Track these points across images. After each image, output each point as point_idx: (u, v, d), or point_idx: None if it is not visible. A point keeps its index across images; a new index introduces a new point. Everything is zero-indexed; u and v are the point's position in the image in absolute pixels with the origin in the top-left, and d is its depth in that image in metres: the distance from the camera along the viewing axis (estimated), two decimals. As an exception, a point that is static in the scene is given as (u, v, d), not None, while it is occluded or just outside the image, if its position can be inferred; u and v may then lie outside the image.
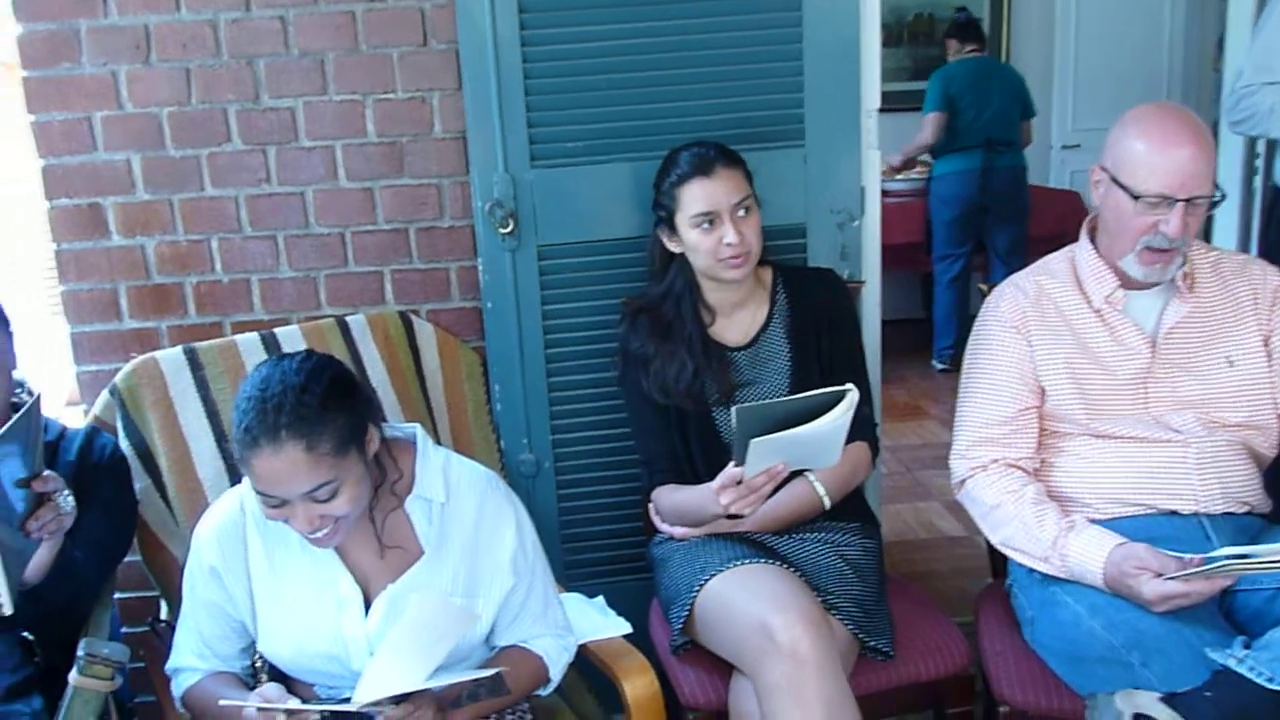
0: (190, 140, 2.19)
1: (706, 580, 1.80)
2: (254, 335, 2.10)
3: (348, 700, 1.58)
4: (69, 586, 1.64)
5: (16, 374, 1.76)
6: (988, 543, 1.95)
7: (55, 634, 1.64)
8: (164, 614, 2.03)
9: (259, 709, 1.42)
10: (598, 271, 2.25)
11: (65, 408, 1.90)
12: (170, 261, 2.24)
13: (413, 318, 2.24)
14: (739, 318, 2.03)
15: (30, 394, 1.88)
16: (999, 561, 1.98)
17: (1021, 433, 1.86)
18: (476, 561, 1.64)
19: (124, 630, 2.16)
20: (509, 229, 2.20)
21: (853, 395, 1.57)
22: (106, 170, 2.19)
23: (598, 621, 1.97)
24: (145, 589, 2.12)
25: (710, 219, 1.89)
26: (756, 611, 1.68)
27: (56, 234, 2.22)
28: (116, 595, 2.20)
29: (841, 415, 1.56)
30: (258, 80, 2.17)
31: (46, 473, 1.54)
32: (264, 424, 1.41)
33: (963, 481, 1.90)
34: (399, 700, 1.42)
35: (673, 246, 1.97)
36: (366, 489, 1.53)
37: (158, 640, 1.90)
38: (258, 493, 1.47)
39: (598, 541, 2.37)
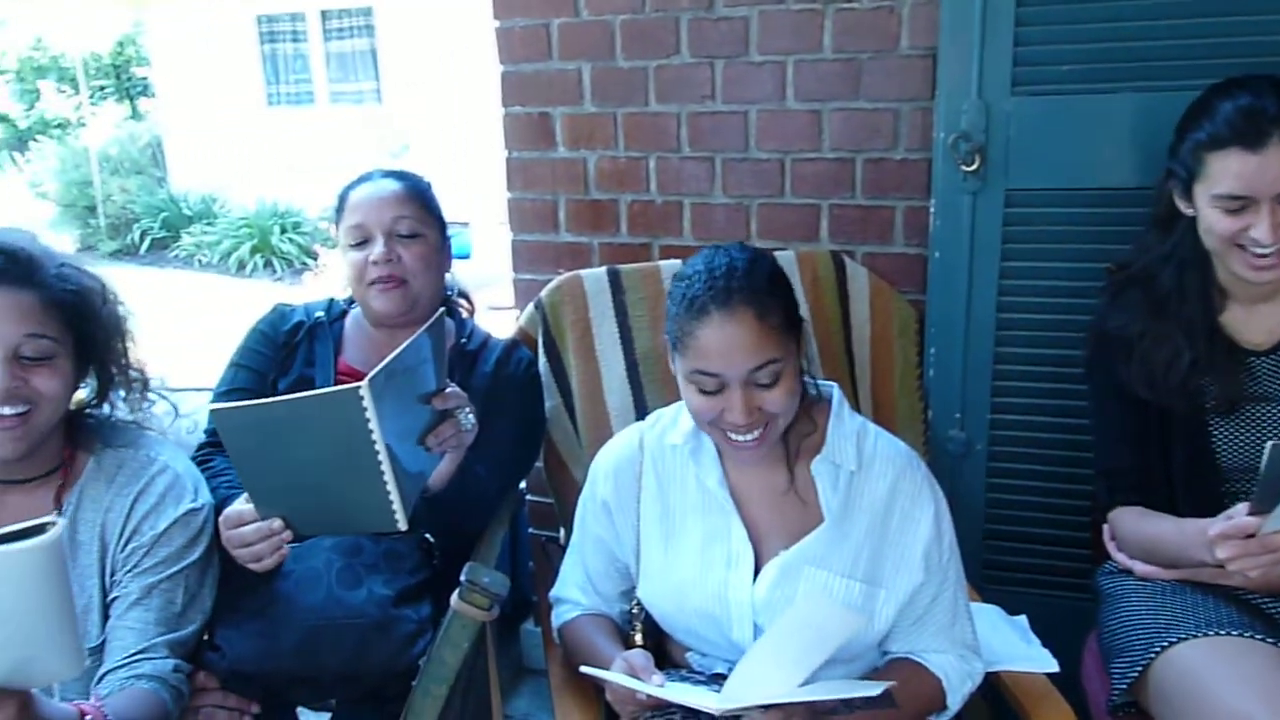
0: (639, 51, 2.09)
1: (1174, 643, 1.40)
2: (678, 262, 1.98)
3: (721, 677, 1.45)
4: (468, 499, 1.63)
5: (450, 278, 1.79)
6: None
7: (453, 542, 1.64)
8: (561, 538, 2.02)
9: (618, 686, 1.31)
10: (1078, 227, 1.84)
11: (488, 311, 1.90)
12: (609, 177, 2.19)
13: (846, 260, 1.99)
14: (1264, 313, 1.54)
15: (465, 297, 1.91)
16: None
17: None
18: (883, 546, 1.42)
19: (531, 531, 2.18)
20: (973, 167, 1.86)
21: None
22: (559, 80, 2.16)
23: (1015, 647, 1.65)
24: (549, 525, 2.13)
25: (1243, 204, 1.42)
26: (1239, 704, 1.27)
27: (508, 142, 2.24)
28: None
29: None
30: (714, -15, 2.01)
31: (450, 389, 1.52)
32: (714, 291, 1.32)
33: None
34: (767, 708, 1.23)
35: (1185, 209, 1.52)
36: (798, 389, 1.39)
37: (547, 562, 1.88)
38: (695, 374, 1.36)
39: (1028, 546, 2.01)
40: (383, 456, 1.32)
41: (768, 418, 1.36)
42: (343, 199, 1.77)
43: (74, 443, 1.47)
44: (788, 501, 1.46)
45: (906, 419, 1.95)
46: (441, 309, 1.58)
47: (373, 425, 1.30)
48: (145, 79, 14.55)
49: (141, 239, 9.69)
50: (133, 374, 1.50)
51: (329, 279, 5.40)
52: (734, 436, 1.38)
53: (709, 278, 1.34)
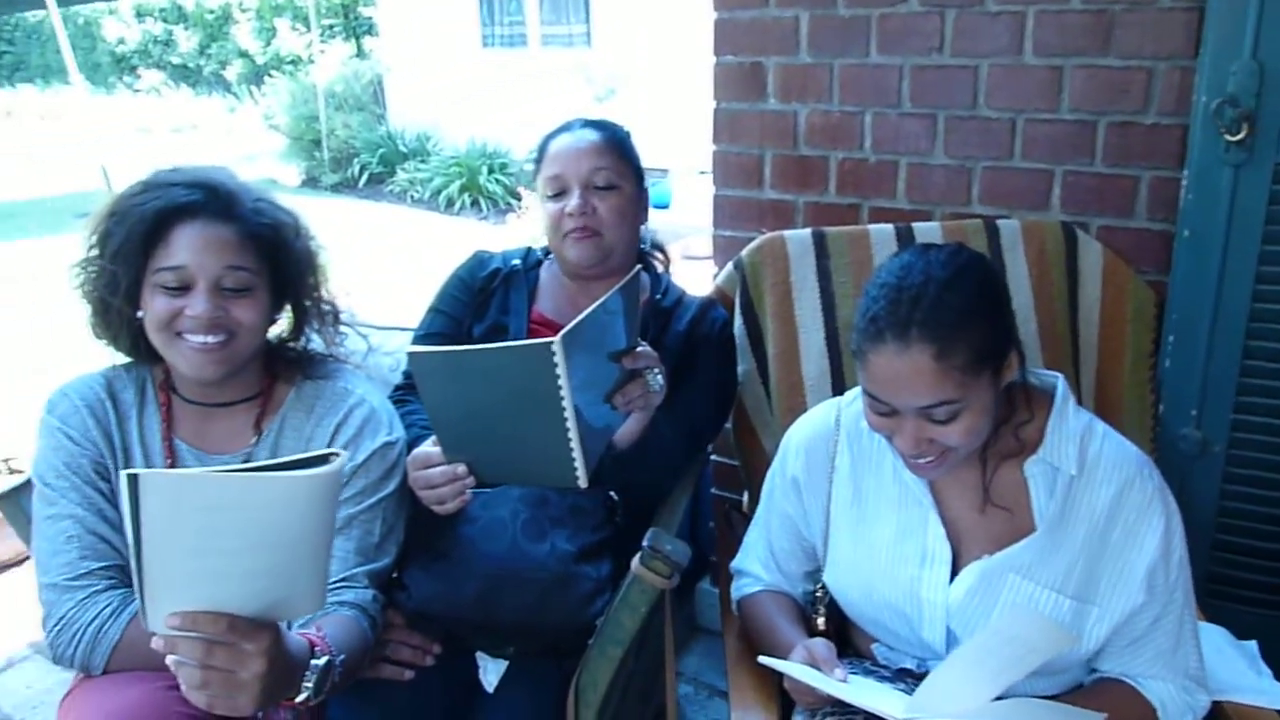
0: (864, -2, 1.96)
1: None
2: (889, 227, 1.86)
3: (907, 673, 1.37)
4: (654, 459, 1.60)
5: (645, 230, 1.75)
6: None
7: (636, 501, 1.62)
8: (745, 503, 1.96)
9: (794, 681, 1.24)
10: (1362, 209, 1.61)
11: (683, 260, 1.84)
12: (820, 132, 2.07)
13: (1079, 233, 1.81)
14: None
15: (660, 250, 1.86)
16: None
17: None
18: (1100, 561, 1.29)
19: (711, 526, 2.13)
20: (1239, 136, 1.65)
21: None
22: (774, 28, 2.06)
23: (1243, 676, 1.49)
24: (735, 488, 2.07)
25: None
26: None
27: (717, 92, 2.16)
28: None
29: None
30: (951, -73, 1.85)
31: (641, 348, 1.48)
32: (894, 316, 1.19)
33: None
34: None
35: None
36: (987, 423, 1.26)
37: (730, 529, 1.83)
38: (866, 394, 1.26)
39: (1265, 562, 1.81)
40: (569, 413, 1.30)
41: (942, 449, 1.25)
42: (542, 148, 1.75)
43: (273, 373, 1.52)
44: (993, 501, 1.34)
45: (1133, 412, 1.77)
46: (638, 266, 1.53)
47: (562, 381, 1.28)
48: (370, 19, 15.22)
49: (360, 173, 10.19)
50: (324, 308, 1.53)
51: (531, 220, 5.50)
52: (905, 458, 1.29)
53: (894, 297, 1.21)
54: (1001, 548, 1.32)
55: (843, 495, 1.45)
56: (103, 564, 1.38)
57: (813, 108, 2.06)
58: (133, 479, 0.90)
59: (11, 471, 3.15)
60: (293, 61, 15.45)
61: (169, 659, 1.03)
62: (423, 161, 9.50)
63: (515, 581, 1.46)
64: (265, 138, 13.95)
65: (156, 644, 1.03)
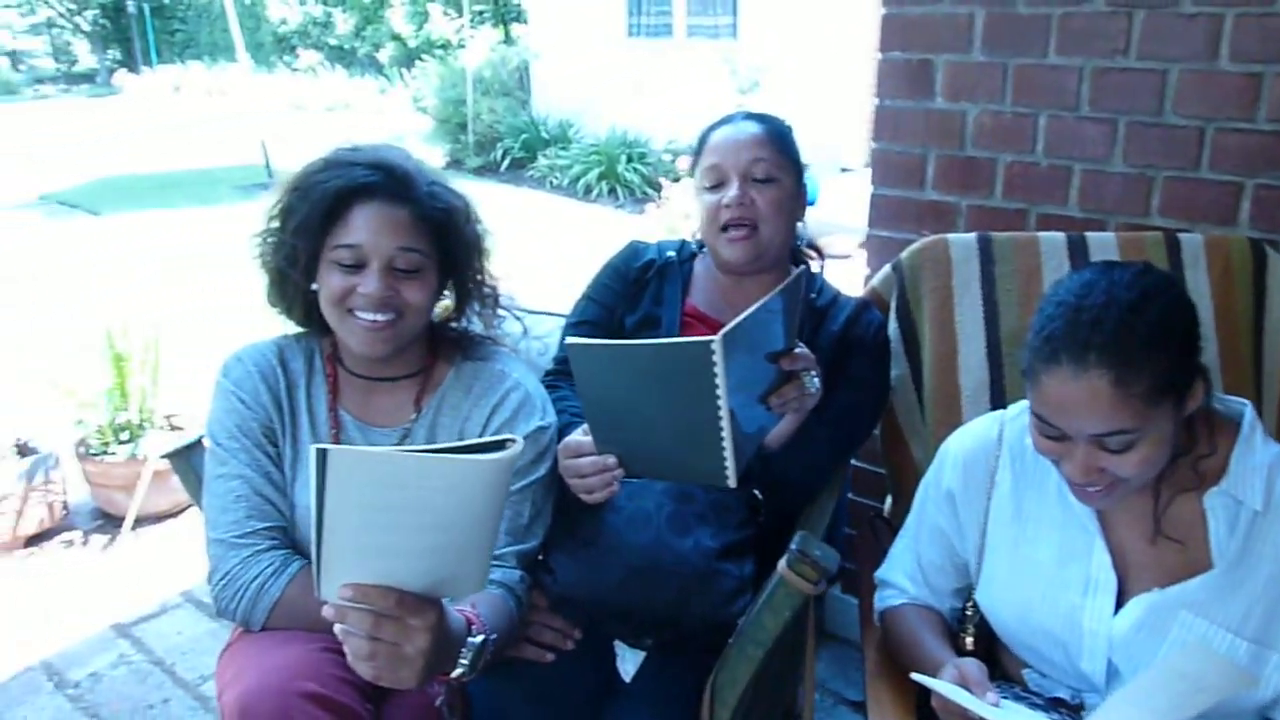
0: (1046, -5, 1.87)
1: None
2: (1060, 235, 1.78)
3: (1061, 703, 1.31)
4: (803, 459, 1.58)
5: (801, 227, 1.72)
6: None
7: (782, 502, 1.60)
8: (887, 509, 1.91)
9: (948, 699, 1.20)
10: None
11: (825, 260, 1.80)
12: (989, 134, 2.00)
13: (1268, 251, 1.70)
14: None
15: (814, 248, 1.83)
16: None
17: None
18: (1282, 604, 1.20)
19: (846, 531, 2.10)
20: None
21: None
22: (946, 24, 1.99)
23: None
24: (872, 494, 2.03)
25: None
26: None
27: (881, 89, 2.11)
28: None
29: None
30: (1148, -78, 1.76)
31: (799, 349, 1.46)
32: (1072, 338, 1.14)
33: None
34: None
35: None
36: (1165, 454, 1.19)
37: (873, 538, 1.79)
38: (1035, 416, 1.21)
39: None
40: (723, 413, 1.29)
41: (1112, 479, 1.18)
42: (703, 139, 1.74)
43: (434, 352, 1.55)
44: (1165, 533, 1.27)
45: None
46: (802, 268, 1.51)
47: (719, 380, 1.27)
48: (519, 5, 15.49)
49: (503, 157, 10.38)
50: (486, 290, 1.56)
51: (669, 211, 5.50)
52: (1071, 484, 1.23)
53: (1073, 316, 1.15)
54: (1173, 582, 1.25)
55: (1002, 513, 1.40)
56: (267, 524, 1.44)
57: (983, 108, 1.99)
58: (321, 453, 0.93)
59: (173, 428, 3.33)
60: (443, 46, 15.86)
61: (337, 628, 1.07)
62: (563, 148, 9.62)
63: (657, 574, 1.46)
64: (412, 119, 14.37)
65: (327, 612, 1.06)
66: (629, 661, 1.67)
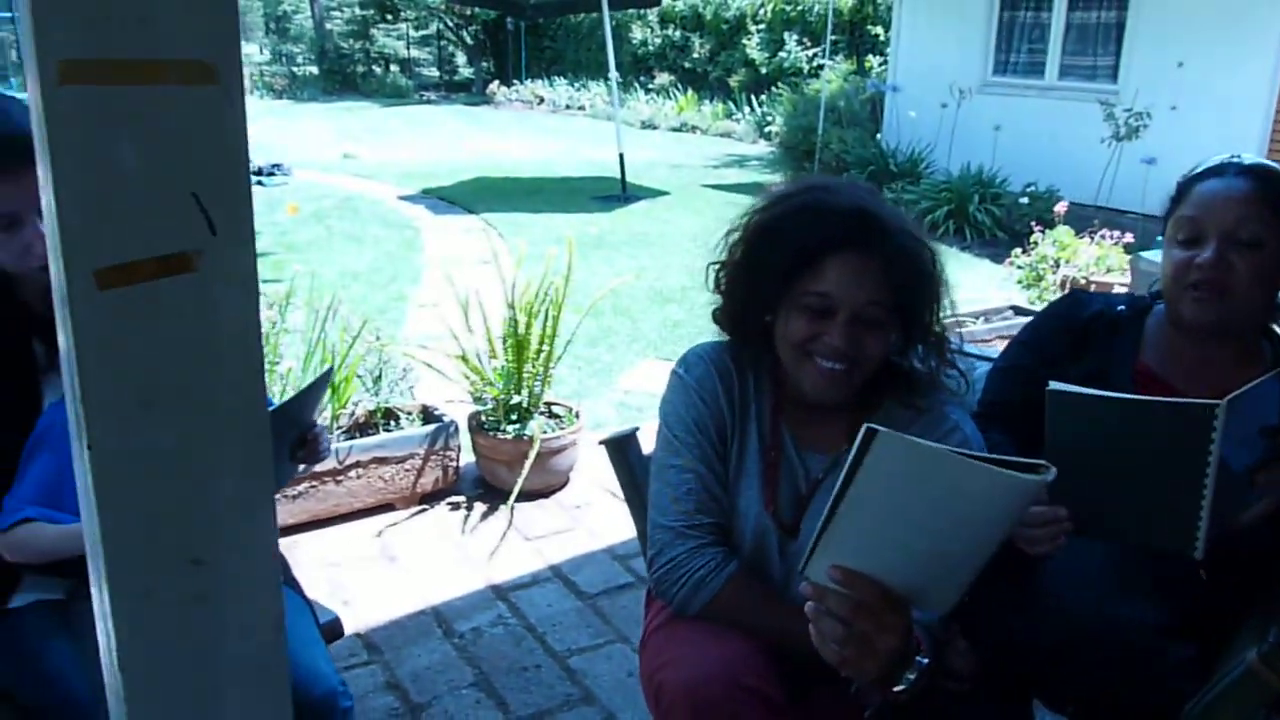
0: None
1: None
2: None
3: None
4: (1271, 545, 1.45)
5: None
6: None
7: (1235, 583, 1.48)
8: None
9: None
10: None
11: None
12: None
13: None
14: None
15: None
16: None
17: None
18: None
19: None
20: None
21: None
22: None
23: None
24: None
25: None
26: None
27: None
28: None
29: None
30: None
31: None
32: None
33: None
34: None
35: None
36: None
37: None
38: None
39: None
40: (1210, 480, 1.22)
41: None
42: (1184, 188, 1.64)
43: (876, 385, 1.56)
44: None
45: None
46: None
47: (1214, 446, 1.20)
48: (877, 36, 15.42)
49: (847, 188, 10.32)
50: (934, 337, 1.54)
51: (1034, 259, 5.24)
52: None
53: None
54: None
55: None
56: (712, 519, 1.51)
57: None
58: (870, 431, 0.96)
59: (552, 415, 3.60)
60: (794, 73, 16.10)
61: (808, 607, 1.11)
62: (912, 183, 9.45)
63: (1093, 643, 1.40)
64: (757, 144, 14.70)
65: (804, 589, 1.11)
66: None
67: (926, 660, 1.21)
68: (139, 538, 0.64)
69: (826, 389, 1.46)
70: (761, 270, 1.48)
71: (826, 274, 1.41)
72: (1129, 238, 5.50)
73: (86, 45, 0.56)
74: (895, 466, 0.97)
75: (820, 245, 1.41)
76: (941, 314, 1.53)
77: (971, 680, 1.48)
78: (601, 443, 1.86)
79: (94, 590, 0.68)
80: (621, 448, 1.83)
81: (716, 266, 1.58)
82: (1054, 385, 1.33)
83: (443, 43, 25.93)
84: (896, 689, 1.19)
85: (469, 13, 23.06)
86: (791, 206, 1.49)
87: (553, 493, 3.55)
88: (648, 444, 1.71)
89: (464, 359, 3.51)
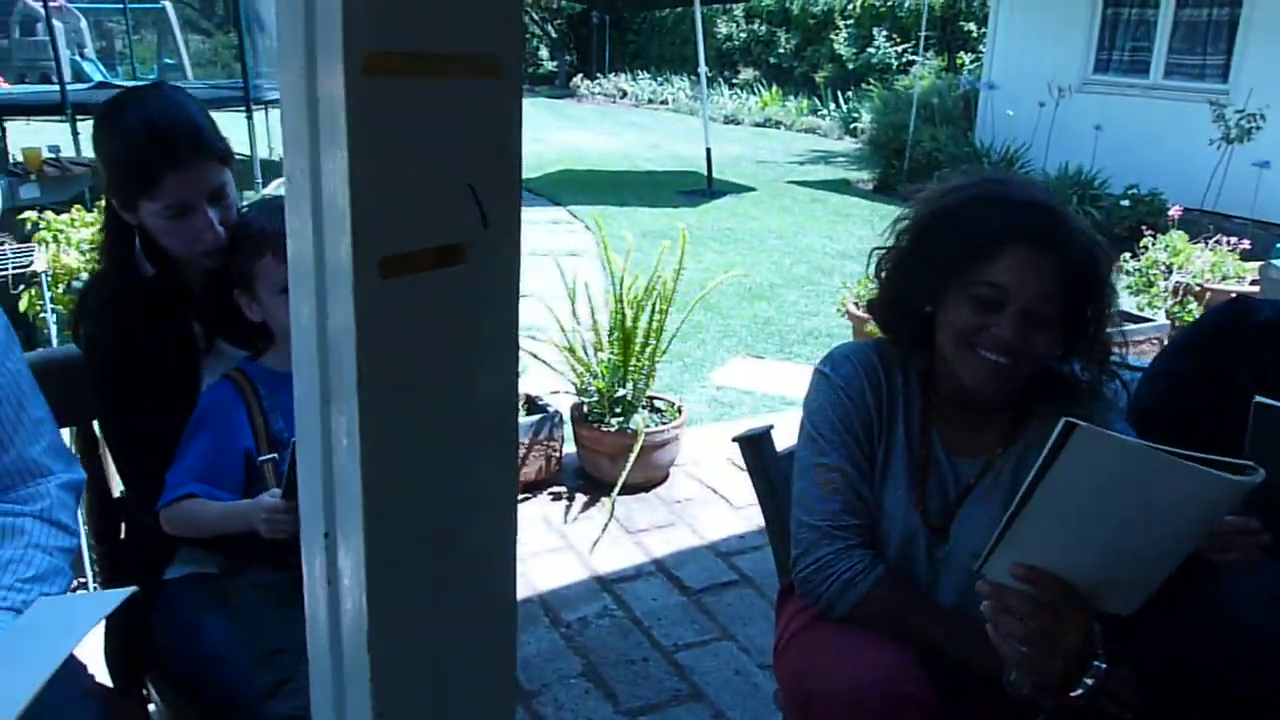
0: None
1: None
2: None
3: None
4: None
5: None
6: None
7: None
8: None
9: None
10: None
11: None
12: None
13: None
14: None
15: None
16: None
17: None
18: None
19: None
20: None
21: None
22: None
23: None
24: None
25: None
26: None
27: None
28: None
29: None
30: None
31: None
32: None
33: None
34: None
35: None
36: None
37: None
38: None
39: None
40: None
41: None
42: None
43: (1031, 389, 1.52)
44: None
45: None
46: None
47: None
48: (970, 32, 15.11)
49: (936, 186, 10.15)
50: (1099, 345, 1.49)
51: (1137, 266, 5.07)
52: None
53: None
54: None
55: None
56: (859, 521, 1.50)
57: None
58: (1069, 425, 0.94)
59: (654, 410, 3.60)
60: (883, 69, 15.87)
61: (985, 605, 1.09)
62: (1003, 182, 9.25)
63: (1270, 669, 1.35)
64: (842, 140, 14.53)
65: (982, 588, 1.08)
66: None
67: (1105, 666, 1.17)
68: (401, 520, 0.65)
69: (987, 380, 1.43)
70: (931, 257, 1.46)
71: (1001, 264, 1.38)
72: (1245, 244, 5.30)
73: (390, 37, 0.57)
74: (1094, 462, 0.95)
75: (998, 234, 1.39)
76: (1108, 323, 1.49)
77: (1131, 709, 1.44)
78: (735, 439, 1.85)
79: (343, 567, 0.69)
80: (756, 445, 1.83)
81: (880, 253, 1.56)
82: (1260, 399, 1.26)
83: (527, 35, 26.15)
84: (1073, 694, 1.16)
85: (554, 5, 23.21)
86: (969, 195, 1.46)
87: (653, 487, 3.56)
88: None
89: (570, 350, 3.53)
